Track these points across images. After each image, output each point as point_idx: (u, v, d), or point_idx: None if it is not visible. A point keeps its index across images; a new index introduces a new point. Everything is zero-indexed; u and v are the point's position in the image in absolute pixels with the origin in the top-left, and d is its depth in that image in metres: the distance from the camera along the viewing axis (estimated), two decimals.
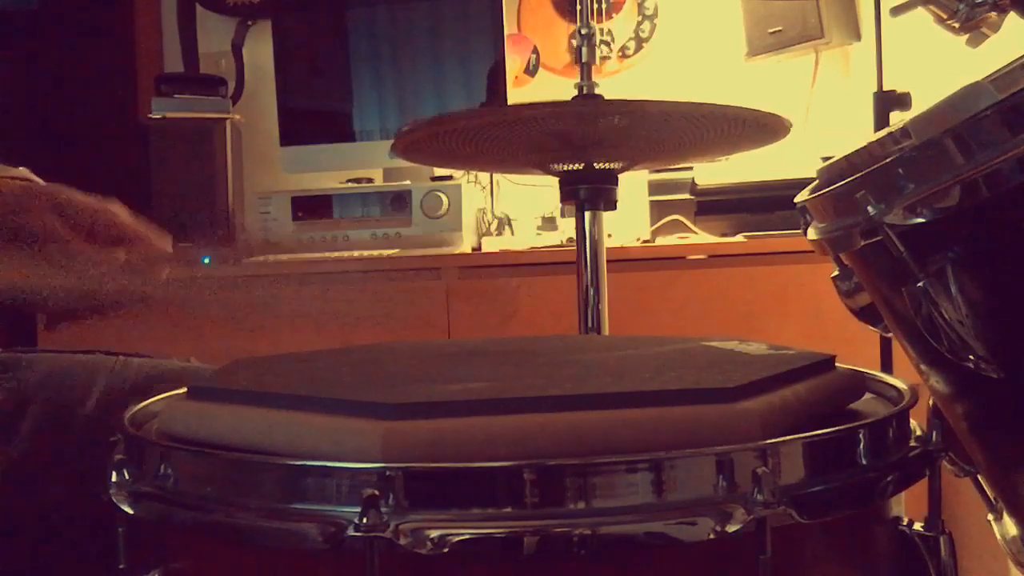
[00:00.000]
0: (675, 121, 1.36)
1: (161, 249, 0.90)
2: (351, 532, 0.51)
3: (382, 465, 0.53)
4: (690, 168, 2.26)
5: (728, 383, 0.60)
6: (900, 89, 1.71)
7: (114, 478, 0.60)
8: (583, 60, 1.47)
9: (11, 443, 0.91)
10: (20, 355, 0.99)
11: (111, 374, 0.98)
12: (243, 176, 2.61)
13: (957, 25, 1.19)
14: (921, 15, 1.26)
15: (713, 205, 2.27)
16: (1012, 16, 1.16)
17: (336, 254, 2.30)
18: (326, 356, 0.82)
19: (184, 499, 0.59)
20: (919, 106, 1.58)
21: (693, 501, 0.53)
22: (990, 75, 0.76)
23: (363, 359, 0.80)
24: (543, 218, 2.43)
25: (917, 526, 0.64)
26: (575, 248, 1.52)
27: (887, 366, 1.63)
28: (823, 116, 2.40)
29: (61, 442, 0.93)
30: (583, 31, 1.47)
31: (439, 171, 2.44)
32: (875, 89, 1.73)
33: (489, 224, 2.53)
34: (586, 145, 1.40)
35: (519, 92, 2.56)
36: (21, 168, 0.96)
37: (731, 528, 0.52)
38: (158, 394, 0.75)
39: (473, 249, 2.36)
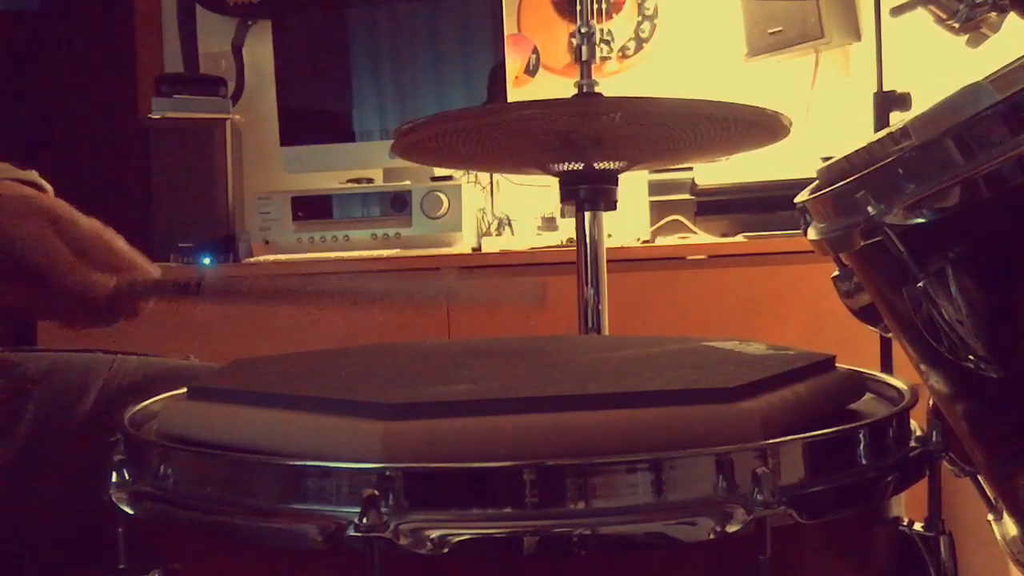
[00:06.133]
0: (675, 120, 1.35)
1: (151, 279, 0.89)
2: (351, 532, 0.51)
3: (382, 465, 0.53)
4: (690, 168, 2.26)
5: (728, 383, 0.59)
6: (900, 89, 1.71)
7: (114, 478, 0.60)
8: (583, 59, 1.47)
9: (9, 441, 0.91)
10: (18, 354, 0.99)
11: (109, 372, 0.98)
12: (243, 176, 2.61)
13: (957, 25, 1.19)
14: (921, 15, 1.26)
15: (713, 205, 2.27)
16: (1012, 16, 1.16)
17: (336, 254, 2.30)
18: (326, 356, 0.82)
19: (184, 499, 0.59)
20: (919, 106, 1.58)
21: (693, 501, 0.53)
22: (990, 75, 0.76)
23: (363, 359, 0.80)
24: (543, 218, 2.42)
25: (917, 526, 0.64)
26: (575, 248, 1.52)
27: (887, 366, 1.62)
28: (823, 116, 2.40)
29: (60, 440, 0.93)
30: (583, 30, 1.47)
31: (439, 171, 2.44)
32: (875, 89, 1.73)
33: (489, 224, 2.53)
34: (586, 145, 1.40)
35: (519, 92, 2.56)
36: (31, 171, 0.95)
37: (731, 528, 0.52)
38: (157, 392, 0.75)
39: (473, 249, 2.36)
